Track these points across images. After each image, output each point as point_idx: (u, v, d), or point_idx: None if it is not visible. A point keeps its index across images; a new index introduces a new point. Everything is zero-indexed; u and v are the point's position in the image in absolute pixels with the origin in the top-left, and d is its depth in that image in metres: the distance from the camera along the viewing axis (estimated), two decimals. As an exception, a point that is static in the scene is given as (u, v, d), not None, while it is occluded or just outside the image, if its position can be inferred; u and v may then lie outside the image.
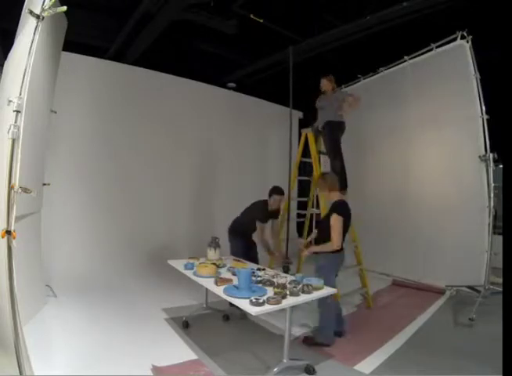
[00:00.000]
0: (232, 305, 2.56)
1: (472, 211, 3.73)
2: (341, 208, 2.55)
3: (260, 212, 3.18)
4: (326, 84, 3.61)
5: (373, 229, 4.92)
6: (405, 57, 4.44)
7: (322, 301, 2.36)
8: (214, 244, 2.79)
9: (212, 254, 2.80)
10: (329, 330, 2.49)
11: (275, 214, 3.31)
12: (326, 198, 2.79)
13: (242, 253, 3.17)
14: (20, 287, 1.65)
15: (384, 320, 3.13)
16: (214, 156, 5.57)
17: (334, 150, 3.49)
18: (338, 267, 2.60)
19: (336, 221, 2.47)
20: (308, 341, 2.49)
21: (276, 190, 3.21)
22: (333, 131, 3.47)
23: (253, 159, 5.90)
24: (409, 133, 4.62)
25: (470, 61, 3.69)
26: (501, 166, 3.75)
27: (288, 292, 1.98)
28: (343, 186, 3.48)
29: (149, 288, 3.79)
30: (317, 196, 3.74)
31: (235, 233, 3.29)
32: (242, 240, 3.25)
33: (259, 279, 2.26)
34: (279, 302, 1.84)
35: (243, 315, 2.90)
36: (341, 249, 2.54)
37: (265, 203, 3.22)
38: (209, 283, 2.27)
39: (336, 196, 2.64)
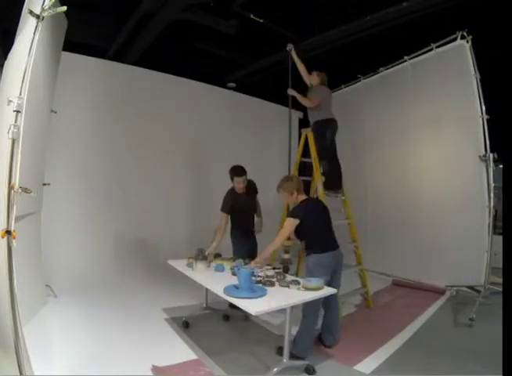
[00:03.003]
0: (231, 306, 2.55)
1: (472, 211, 3.73)
2: (296, 211, 2.44)
3: (225, 200, 3.09)
4: (314, 77, 3.53)
5: (373, 229, 4.93)
6: (405, 57, 4.44)
7: (307, 309, 2.27)
8: (201, 256, 2.64)
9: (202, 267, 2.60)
10: (304, 344, 2.29)
11: (247, 203, 3.16)
12: (290, 202, 2.58)
13: (239, 248, 3.16)
14: (20, 287, 1.65)
15: (384, 320, 3.13)
16: (213, 156, 5.57)
17: (321, 151, 3.48)
18: (326, 269, 2.36)
19: (285, 223, 2.42)
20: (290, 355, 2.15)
21: (235, 172, 3.03)
22: (320, 132, 3.45)
23: (253, 159, 5.90)
24: (408, 133, 4.61)
25: (470, 61, 3.69)
26: (501, 166, 3.75)
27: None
28: (337, 187, 3.47)
29: (149, 288, 3.80)
30: (317, 196, 3.74)
31: (231, 232, 3.27)
32: (236, 235, 3.24)
33: (259, 279, 2.26)
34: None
35: (246, 316, 2.90)
36: (329, 249, 2.42)
37: (231, 189, 3.15)
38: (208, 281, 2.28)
39: (301, 198, 2.51)
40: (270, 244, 2.48)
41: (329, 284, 2.24)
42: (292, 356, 2.13)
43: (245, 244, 3.22)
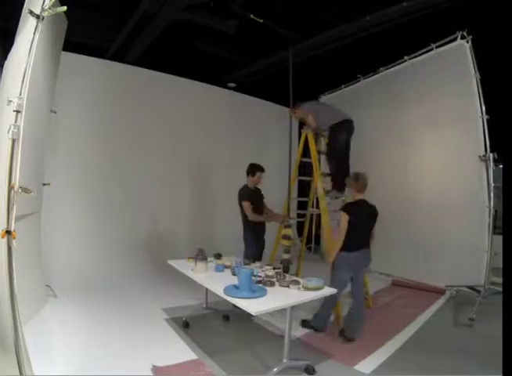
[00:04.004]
0: (235, 306, 2.55)
1: (472, 211, 3.73)
2: (350, 208, 2.65)
3: (245, 194, 3.25)
4: (299, 114, 3.62)
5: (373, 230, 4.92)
6: (405, 57, 4.44)
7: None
8: (202, 256, 2.61)
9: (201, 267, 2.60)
10: (322, 318, 2.73)
11: (259, 194, 3.41)
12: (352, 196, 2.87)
13: (252, 246, 3.21)
14: (20, 287, 1.65)
15: (383, 320, 3.13)
16: (213, 156, 5.57)
17: (331, 153, 3.50)
18: (351, 267, 2.66)
19: (341, 218, 2.62)
20: (305, 324, 2.79)
21: (259, 168, 3.33)
22: (334, 136, 3.46)
23: (253, 159, 5.89)
24: (408, 133, 4.62)
25: (470, 61, 3.69)
26: (501, 166, 3.75)
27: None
28: (342, 189, 3.47)
29: (149, 288, 3.79)
30: (317, 196, 3.74)
31: (244, 230, 3.32)
32: (249, 233, 3.28)
33: (259, 279, 2.26)
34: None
35: (250, 315, 2.89)
36: (357, 248, 2.63)
37: (245, 186, 3.33)
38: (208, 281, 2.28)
39: (356, 196, 2.73)
40: (337, 242, 2.63)
41: (352, 279, 2.68)
42: (311, 328, 2.73)
43: (258, 245, 3.28)
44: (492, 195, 3.47)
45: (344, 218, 2.58)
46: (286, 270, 2.92)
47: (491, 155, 3.45)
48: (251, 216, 3.17)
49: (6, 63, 2.35)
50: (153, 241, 4.74)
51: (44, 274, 3.20)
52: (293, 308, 2.04)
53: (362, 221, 2.66)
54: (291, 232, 3.28)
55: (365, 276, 3.54)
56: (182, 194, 5.22)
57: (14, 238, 1.57)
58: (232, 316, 2.95)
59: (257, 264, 2.79)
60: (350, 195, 2.90)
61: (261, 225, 3.33)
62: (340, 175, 3.43)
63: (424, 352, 2.41)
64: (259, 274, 2.36)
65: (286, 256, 3.17)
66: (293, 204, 4.72)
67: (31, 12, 1.78)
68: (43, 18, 1.80)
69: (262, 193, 3.48)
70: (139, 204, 4.74)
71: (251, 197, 3.25)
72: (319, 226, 6.03)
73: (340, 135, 3.41)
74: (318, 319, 2.75)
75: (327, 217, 3.30)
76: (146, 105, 4.83)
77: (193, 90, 5.34)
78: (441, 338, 2.69)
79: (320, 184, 3.44)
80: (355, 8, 3.76)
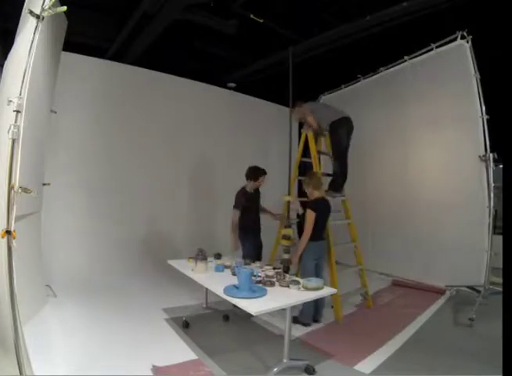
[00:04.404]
0: (235, 305, 2.56)
1: (472, 211, 3.73)
2: (316, 205, 2.86)
3: (239, 201, 3.23)
4: (298, 115, 3.60)
5: (373, 230, 4.93)
6: (405, 57, 4.44)
7: None
8: (202, 256, 2.60)
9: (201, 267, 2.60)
10: (307, 313, 2.88)
11: (257, 196, 3.40)
12: (308, 196, 3.03)
13: (249, 246, 3.23)
14: (20, 287, 1.65)
15: (384, 320, 3.13)
16: (213, 156, 5.57)
17: (335, 152, 3.49)
18: (316, 255, 2.88)
19: (307, 215, 2.81)
20: (295, 320, 2.80)
21: (261, 171, 3.30)
22: (335, 132, 3.46)
23: (252, 159, 5.90)
24: (408, 133, 4.61)
25: (470, 61, 3.69)
26: (501, 166, 3.75)
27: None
28: (338, 188, 3.46)
29: (149, 288, 3.79)
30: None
31: (240, 230, 3.30)
32: (246, 234, 3.28)
33: (259, 279, 2.26)
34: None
35: (249, 314, 2.90)
36: (319, 239, 2.90)
37: (242, 189, 3.31)
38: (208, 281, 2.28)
39: (316, 194, 2.92)
40: (301, 241, 2.83)
41: (316, 266, 2.88)
42: (299, 323, 2.83)
43: (254, 244, 3.29)
44: (492, 195, 3.47)
45: (310, 215, 2.79)
46: (286, 270, 2.92)
47: (491, 155, 3.45)
48: (233, 226, 3.20)
49: (6, 63, 2.35)
50: (153, 241, 4.74)
51: (44, 274, 3.20)
52: (293, 308, 2.03)
53: (323, 215, 2.92)
54: (291, 232, 3.28)
55: (365, 276, 3.54)
56: (182, 194, 5.22)
57: (14, 238, 1.57)
58: (232, 316, 2.95)
59: (257, 264, 2.79)
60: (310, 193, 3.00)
61: (257, 225, 3.33)
62: (342, 174, 3.42)
63: (424, 352, 2.41)
64: (259, 274, 2.35)
65: (286, 256, 3.17)
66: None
67: (31, 12, 1.78)
68: (43, 18, 1.80)
69: (261, 194, 3.46)
70: (139, 204, 4.74)
71: (246, 202, 3.23)
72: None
73: (342, 130, 3.39)
74: (304, 315, 2.88)
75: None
76: (146, 105, 4.83)
77: (193, 90, 5.34)
78: (441, 338, 2.69)
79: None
80: (355, 8, 3.76)
